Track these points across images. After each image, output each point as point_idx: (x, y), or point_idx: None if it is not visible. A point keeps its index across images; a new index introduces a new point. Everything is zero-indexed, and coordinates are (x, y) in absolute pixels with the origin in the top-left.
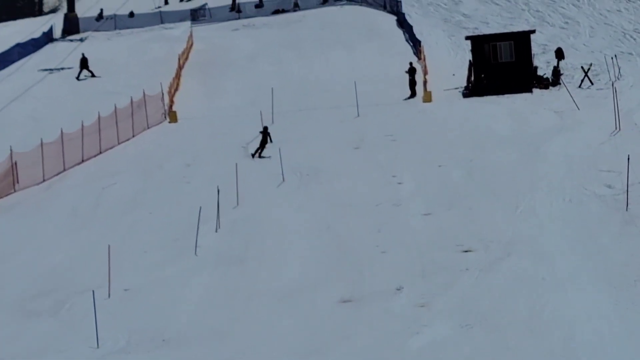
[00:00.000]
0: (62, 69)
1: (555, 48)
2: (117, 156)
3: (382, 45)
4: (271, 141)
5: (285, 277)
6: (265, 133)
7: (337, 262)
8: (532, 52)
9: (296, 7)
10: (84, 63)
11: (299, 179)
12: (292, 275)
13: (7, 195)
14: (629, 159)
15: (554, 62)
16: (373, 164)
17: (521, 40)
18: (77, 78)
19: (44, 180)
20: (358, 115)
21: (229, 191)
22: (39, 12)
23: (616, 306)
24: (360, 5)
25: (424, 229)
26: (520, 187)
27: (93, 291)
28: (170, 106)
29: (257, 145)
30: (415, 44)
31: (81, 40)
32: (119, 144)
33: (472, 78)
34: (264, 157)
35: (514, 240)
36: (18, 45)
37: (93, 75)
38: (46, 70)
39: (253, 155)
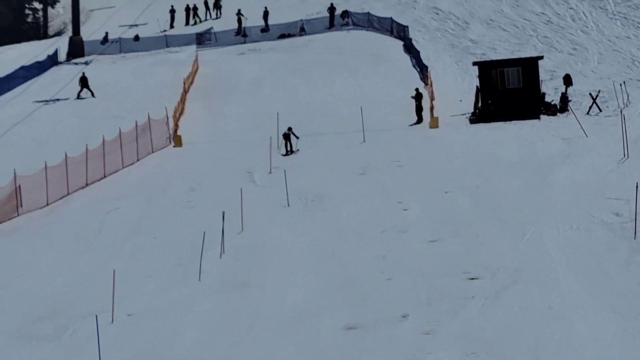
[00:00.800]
0: (58, 100)
1: (563, 74)
2: (121, 180)
3: (388, 70)
4: (297, 137)
5: (290, 303)
6: (289, 134)
7: (342, 288)
8: (540, 79)
9: (302, 32)
10: (84, 82)
11: (304, 205)
12: (296, 301)
13: (10, 219)
14: (637, 186)
15: (562, 88)
16: (379, 190)
17: (529, 66)
18: (78, 97)
19: (47, 204)
20: (364, 141)
21: (233, 216)
22: (44, 35)
23: (623, 335)
24: (367, 30)
25: (430, 256)
26: (527, 215)
27: (96, 316)
28: (175, 130)
29: (283, 146)
30: (422, 70)
31: (86, 63)
32: (123, 168)
33: (479, 104)
34: (294, 151)
35: (521, 268)
36: (22, 68)
37: (92, 95)
38: (41, 101)
39: (285, 154)
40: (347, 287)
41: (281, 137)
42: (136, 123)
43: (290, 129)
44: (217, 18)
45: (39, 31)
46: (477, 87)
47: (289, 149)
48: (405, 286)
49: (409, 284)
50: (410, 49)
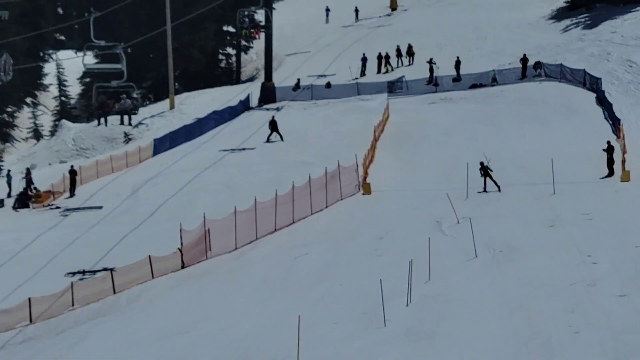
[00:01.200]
0: (244, 149)
1: None
2: (309, 226)
3: (580, 122)
4: (491, 170)
5: (476, 355)
6: (486, 168)
7: (529, 341)
8: None
9: (494, 82)
10: (273, 125)
11: (492, 256)
12: (482, 353)
13: (199, 262)
14: None
15: None
16: (568, 243)
17: None
18: (267, 140)
19: (236, 248)
20: (554, 193)
21: (420, 265)
22: (237, 81)
23: None
24: (559, 81)
25: (619, 311)
26: None
27: None
28: (365, 178)
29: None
30: (614, 122)
31: (277, 109)
32: (311, 214)
33: None
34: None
35: None
36: (215, 112)
37: (281, 138)
38: (226, 150)
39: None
40: (534, 340)
41: (477, 174)
42: (326, 170)
43: (482, 163)
44: (409, 65)
45: (231, 76)
46: None
47: (486, 185)
48: (593, 341)
49: (597, 339)
50: (602, 101)
